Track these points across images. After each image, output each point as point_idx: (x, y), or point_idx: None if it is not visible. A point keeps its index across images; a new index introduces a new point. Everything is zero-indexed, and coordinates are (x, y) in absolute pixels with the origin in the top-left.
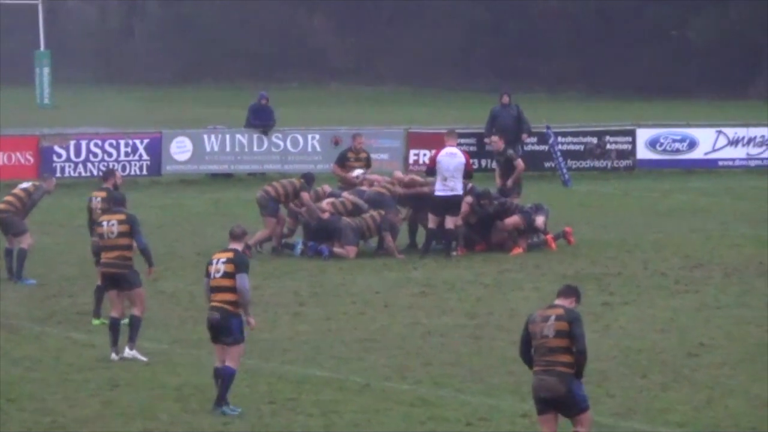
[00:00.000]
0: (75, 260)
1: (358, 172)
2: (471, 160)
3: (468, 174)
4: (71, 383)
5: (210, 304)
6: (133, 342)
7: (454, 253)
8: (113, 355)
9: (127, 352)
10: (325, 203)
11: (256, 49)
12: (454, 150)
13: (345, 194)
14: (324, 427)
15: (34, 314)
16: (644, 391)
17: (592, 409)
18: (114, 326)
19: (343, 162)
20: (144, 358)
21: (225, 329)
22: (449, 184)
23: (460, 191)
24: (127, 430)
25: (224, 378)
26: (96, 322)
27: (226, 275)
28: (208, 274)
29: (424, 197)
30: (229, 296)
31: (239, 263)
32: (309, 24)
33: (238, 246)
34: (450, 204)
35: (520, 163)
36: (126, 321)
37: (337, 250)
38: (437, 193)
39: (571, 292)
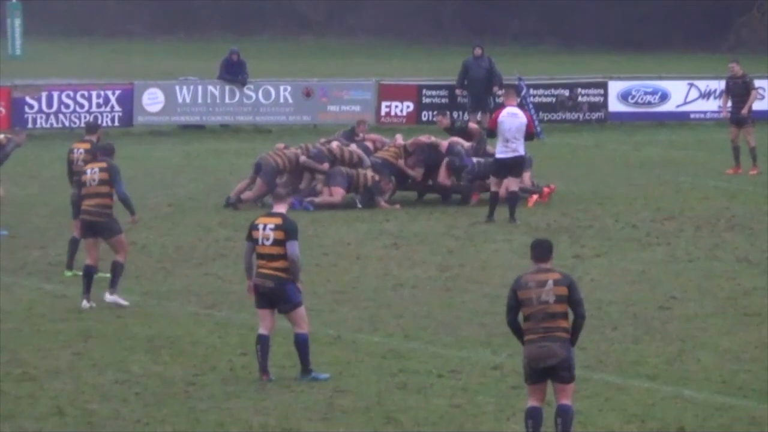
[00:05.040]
0: (46, 212)
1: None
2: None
3: (529, 135)
4: (43, 334)
5: (259, 271)
6: (114, 288)
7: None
8: (84, 303)
9: (108, 297)
10: (334, 145)
11: (227, 0)
12: (515, 110)
13: (353, 146)
14: (295, 379)
15: (5, 265)
16: (615, 343)
17: None
18: (88, 274)
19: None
20: (125, 302)
21: (282, 297)
22: (511, 146)
23: (522, 152)
24: (99, 382)
25: (299, 345)
26: (68, 273)
27: (276, 242)
28: (250, 238)
29: (435, 156)
30: (281, 263)
31: (289, 230)
32: None
33: (283, 208)
34: (513, 165)
35: (473, 127)
36: (101, 274)
37: (321, 199)
38: (498, 156)
39: (548, 251)
